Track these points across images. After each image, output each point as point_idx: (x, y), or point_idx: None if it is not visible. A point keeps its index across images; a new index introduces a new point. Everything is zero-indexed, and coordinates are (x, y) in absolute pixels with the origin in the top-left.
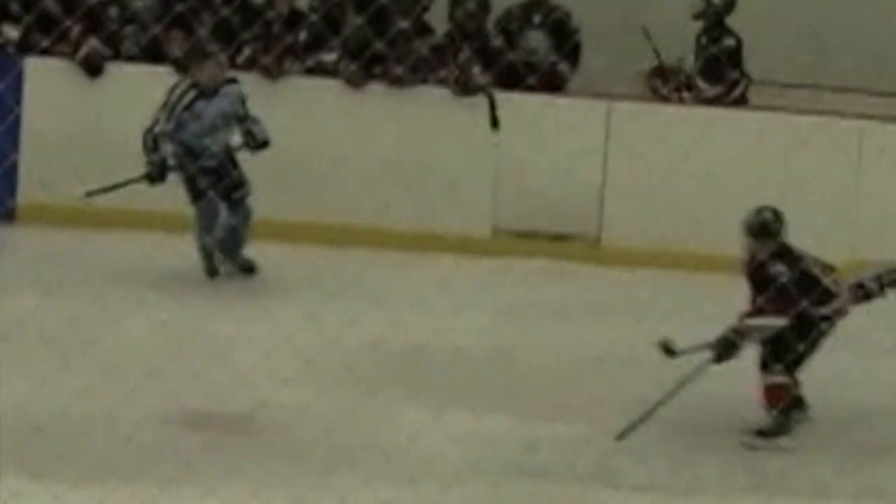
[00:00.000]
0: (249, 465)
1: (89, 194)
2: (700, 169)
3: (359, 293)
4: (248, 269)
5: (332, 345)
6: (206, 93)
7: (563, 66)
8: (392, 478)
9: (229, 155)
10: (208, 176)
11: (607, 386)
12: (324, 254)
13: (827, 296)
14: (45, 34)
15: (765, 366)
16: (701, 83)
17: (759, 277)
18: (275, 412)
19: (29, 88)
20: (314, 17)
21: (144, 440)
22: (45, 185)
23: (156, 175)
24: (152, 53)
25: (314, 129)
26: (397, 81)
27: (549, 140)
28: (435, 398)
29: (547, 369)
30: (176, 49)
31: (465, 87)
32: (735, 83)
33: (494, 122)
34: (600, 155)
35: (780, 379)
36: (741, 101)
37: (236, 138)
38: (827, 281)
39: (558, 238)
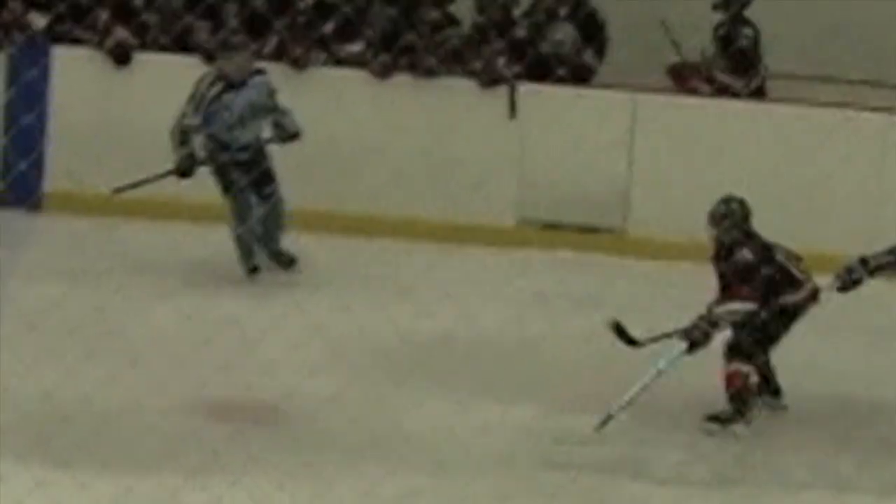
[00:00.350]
0: (276, 455)
1: (117, 190)
2: (725, 161)
3: (386, 283)
4: (288, 262)
5: (360, 335)
6: (233, 84)
7: (590, 58)
8: (420, 468)
9: (260, 148)
10: (239, 168)
11: (633, 377)
12: (350, 244)
13: (794, 283)
14: (73, 23)
15: (729, 353)
16: (720, 75)
17: (725, 266)
18: (302, 402)
19: (56, 77)
20: (346, 9)
21: (170, 430)
22: (71, 175)
23: (184, 169)
24: (180, 43)
25: (341, 120)
26: (428, 73)
27: (575, 132)
28: (463, 388)
29: (573, 360)
30: (203, 39)
31: (489, 79)
32: (754, 74)
33: (513, 110)
34: (626, 147)
35: (741, 367)
36: (759, 93)
37: (266, 132)
38: (793, 269)
39: (584, 230)
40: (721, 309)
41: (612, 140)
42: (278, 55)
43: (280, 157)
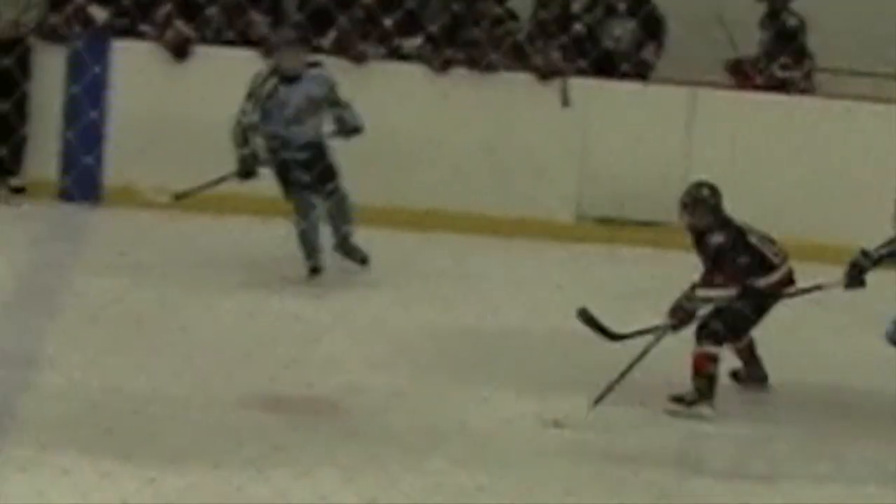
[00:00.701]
0: (340, 450)
1: (178, 197)
2: (783, 156)
3: (448, 278)
4: (361, 259)
5: (422, 330)
6: (288, 77)
7: (649, 54)
8: (483, 463)
9: (320, 144)
10: (300, 167)
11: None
12: (410, 239)
13: (768, 266)
14: (133, 17)
15: (700, 335)
16: (776, 70)
17: (701, 250)
18: (366, 397)
19: (116, 71)
20: (408, 4)
21: (235, 424)
22: (128, 180)
23: (246, 171)
24: (241, 37)
25: (400, 114)
26: (488, 68)
27: (634, 127)
28: (525, 383)
29: (635, 355)
30: (263, 33)
31: (546, 72)
32: (801, 65)
33: (565, 99)
34: (685, 142)
35: (710, 349)
36: (805, 83)
37: (327, 126)
38: (768, 252)
39: (641, 224)
40: (702, 293)
41: (670, 135)
42: (338, 49)
43: (340, 151)
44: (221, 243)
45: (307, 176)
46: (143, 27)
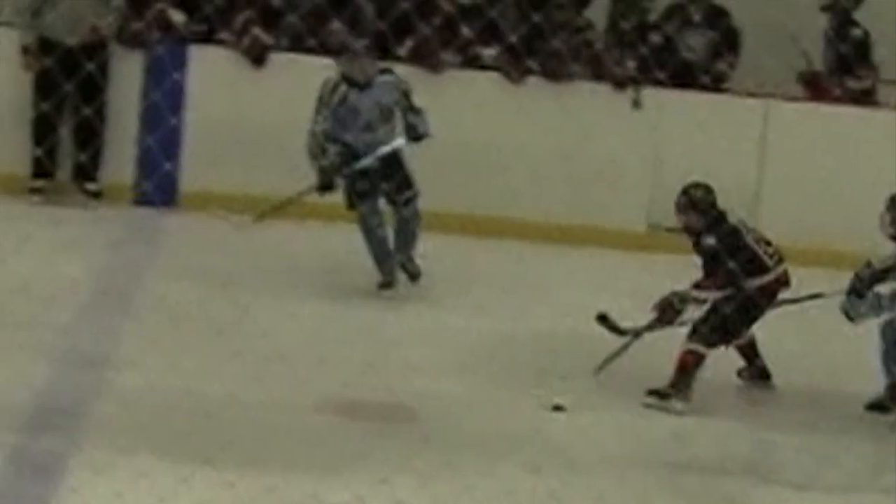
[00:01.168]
0: (416, 455)
1: (259, 218)
2: (856, 168)
3: (521, 285)
4: (414, 275)
5: (496, 336)
6: (359, 85)
7: (723, 65)
8: (558, 469)
9: (395, 154)
10: (369, 177)
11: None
12: (486, 246)
13: (762, 267)
14: (212, 23)
15: (691, 333)
16: (849, 81)
17: (697, 251)
18: (440, 403)
19: (194, 77)
20: (490, 13)
21: (312, 428)
22: (203, 182)
23: (326, 184)
24: (319, 44)
25: (475, 123)
26: (566, 77)
27: (707, 137)
28: (599, 390)
29: (709, 365)
30: (340, 41)
31: (619, 81)
32: (864, 75)
33: (636, 102)
34: (757, 152)
35: (696, 347)
36: (868, 95)
37: (399, 132)
38: (762, 253)
39: None
40: (695, 293)
41: (744, 146)
42: (415, 57)
43: (415, 159)
44: (298, 248)
45: (384, 184)
46: (222, 34)
